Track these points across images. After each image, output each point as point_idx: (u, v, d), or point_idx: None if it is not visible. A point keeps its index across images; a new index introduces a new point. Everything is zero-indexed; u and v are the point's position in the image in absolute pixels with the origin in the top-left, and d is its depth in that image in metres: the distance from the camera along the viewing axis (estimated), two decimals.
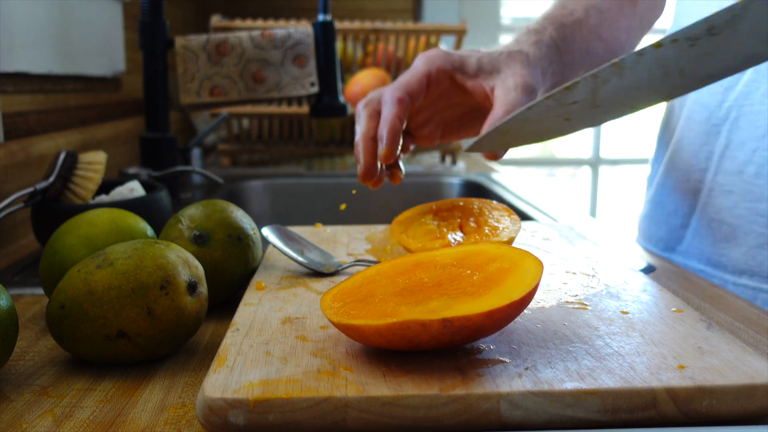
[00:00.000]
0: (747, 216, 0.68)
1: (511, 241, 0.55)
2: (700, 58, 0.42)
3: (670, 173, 0.80)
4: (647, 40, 0.77)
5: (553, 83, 0.65)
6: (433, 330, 0.37)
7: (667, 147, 0.81)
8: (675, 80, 0.44)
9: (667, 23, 0.82)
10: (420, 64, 0.61)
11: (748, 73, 0.67)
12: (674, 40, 0.41)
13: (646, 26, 0.77)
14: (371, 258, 0.60)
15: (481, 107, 0.63)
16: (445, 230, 0.58)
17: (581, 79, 0.45)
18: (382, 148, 0.58)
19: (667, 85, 0.45)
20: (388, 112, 0.58)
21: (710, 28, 0.40)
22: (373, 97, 0.62)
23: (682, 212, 0.77)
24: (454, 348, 0.40)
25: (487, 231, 0.57)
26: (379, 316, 0.38)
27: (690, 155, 0.75)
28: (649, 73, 0.43)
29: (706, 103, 0.72)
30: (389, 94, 0.59)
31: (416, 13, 2.45)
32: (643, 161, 3.25)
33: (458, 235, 0.56)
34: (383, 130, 0.58)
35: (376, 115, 0.61)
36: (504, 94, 0.57)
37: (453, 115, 0.67)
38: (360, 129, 0.61)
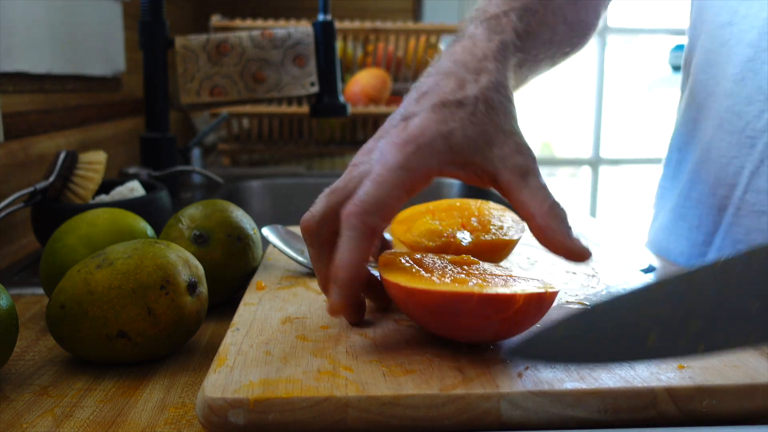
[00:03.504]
0: None
1: (517, 240, 0.55)
2: None
3: (695, 185, 0.72)
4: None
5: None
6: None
7: (690, 153, 0.75)
8: None
9: (685, 23, 0.78)
10: (399, 167, 0.42)
11: None
12: None
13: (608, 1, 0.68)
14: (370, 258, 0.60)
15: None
16: (450, 230, 0.56)
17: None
18: (335, 297, 0.41)
19: None
20: (348, 251, 0.41)
21: None
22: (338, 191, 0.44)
23: (706, 229, 0.70)
24: (453, 347, 0.40)
25: (493, 230, 0.55)
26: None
27: (718, 168, 0.67)
28: None
29: (741, 111, 0.65)
30: (356, 219, 0.41)
31: (416, 13, 2.45)
32: (644, 161, 3.25)
33: (466, 234, 0.55)
34: (339, 273, 0.41)
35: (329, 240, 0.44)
36: (530, 198, 0.43)
37: None
38: (311, 253, 0.45)
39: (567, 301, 0.49)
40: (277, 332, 0.43)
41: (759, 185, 0.63)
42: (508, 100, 0.48)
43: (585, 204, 3.15)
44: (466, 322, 0.38)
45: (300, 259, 0.56)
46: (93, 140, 1.09)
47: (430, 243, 0.53)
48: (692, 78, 0.74)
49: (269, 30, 1.00)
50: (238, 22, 1.45)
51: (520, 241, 0.64)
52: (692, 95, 0.74)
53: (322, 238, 0.44)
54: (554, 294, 0.39)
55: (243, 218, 0.56)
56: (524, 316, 0.38)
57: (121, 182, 0.75)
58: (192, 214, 0.55)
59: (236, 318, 0.45)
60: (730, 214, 0.66)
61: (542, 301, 0.38)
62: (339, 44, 1.58)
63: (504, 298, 0.37)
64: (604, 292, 0.51)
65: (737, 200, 0.65)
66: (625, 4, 3.19)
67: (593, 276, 0.55)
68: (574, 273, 0.55)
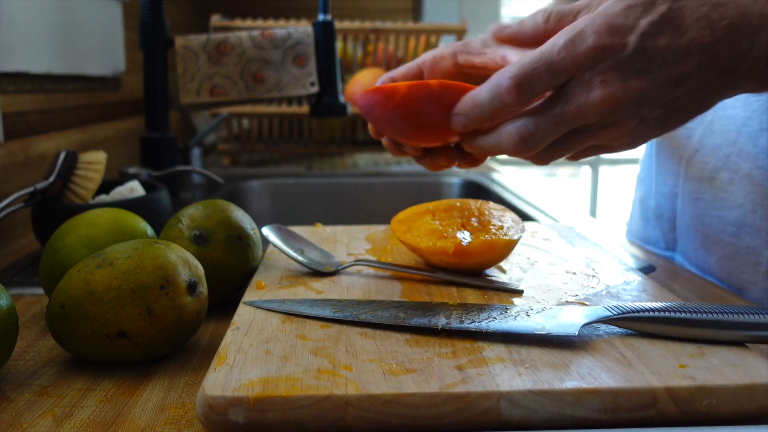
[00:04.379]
0: (716, 225, 0.66)
1: (517, 240, 0.55)
2: None
3: (657, 176, 0.79)
4: None
5: None
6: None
7: (652, 146, 0.81)
8: None
9: None
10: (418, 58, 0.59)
11: None
12: None
13: None
14: (371, 258, 0.60)
15: None
16: (450, 230, 0.56)
17: None
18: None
19: None
20: None
21: None
22: None
23: (668, 216, 0.76)
24: (453, 343, 0.40)
25: (493, 230, 0.55)
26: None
27: (667, 158, 0.74)
28: None
29: None
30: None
31: (416, 13, 2.45)
32: None
33: (466, 234, 0.55)
34: None
35: None
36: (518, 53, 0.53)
37: None
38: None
39: (567, 302, 0.49)
40: (277, 331, 0.43)
41: (695, 173, 0.68)
42: None
43: (585, 204, 3.15)
44: (388, 113, 0.47)
45: (300, 258, 0.56)
46: (93, 140, 1.09)
47: (430, 243, 0.53)
48: None
49: (269, 30, 1.00)
50: (238, 22, 1.45)
51: (520, 241, 0.64)
52: None
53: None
54: (440, 83, 0.46)
55: (243, 218, 0.56)
56: (416, 101, 0.46)
57: (121, 182, 0.75)
58: (192, 214, 0.55)
59: (236, 317, 0.45)
60: (679, 202, 0.72)
61: (429, 89, 0.45)
62: (339, 44, 1.58)
63: (388, 89, 0.46)
64: (604, 293, 0.51)
65: (681, 188, 0.71)
66: None
67: (593, 276, 0.55)
68: (574, 273, 0.55)
